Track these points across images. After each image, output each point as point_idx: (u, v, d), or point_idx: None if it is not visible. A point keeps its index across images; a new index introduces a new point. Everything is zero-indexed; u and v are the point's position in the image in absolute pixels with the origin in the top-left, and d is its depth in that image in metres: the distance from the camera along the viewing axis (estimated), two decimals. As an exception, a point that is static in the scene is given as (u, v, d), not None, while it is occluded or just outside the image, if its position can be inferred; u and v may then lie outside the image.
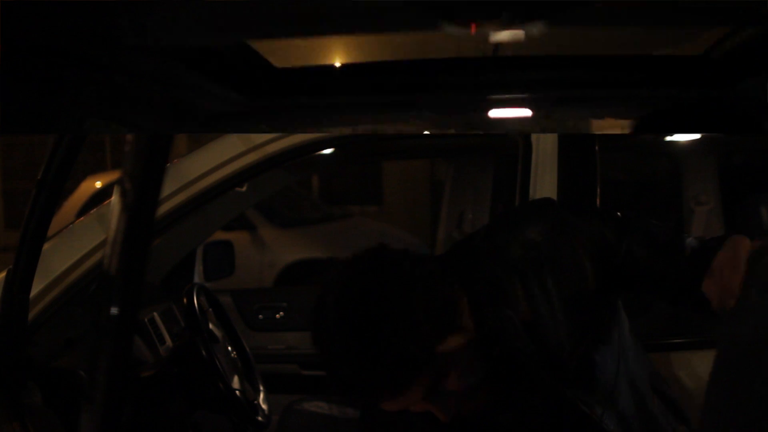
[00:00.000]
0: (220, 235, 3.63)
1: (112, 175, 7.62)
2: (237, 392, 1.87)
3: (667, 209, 3.78)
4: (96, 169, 8.23)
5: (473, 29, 1.37)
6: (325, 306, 1.17)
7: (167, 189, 1.88)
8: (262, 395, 2.06)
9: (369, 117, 2.09)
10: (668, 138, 2.80)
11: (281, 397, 2.54)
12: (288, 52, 1.76)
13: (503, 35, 1.41)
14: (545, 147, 1.90)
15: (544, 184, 1.88)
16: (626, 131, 2.09)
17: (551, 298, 1.26)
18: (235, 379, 1.94)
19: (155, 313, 2.36)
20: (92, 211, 1.99)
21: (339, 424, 2.52)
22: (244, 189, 2.65)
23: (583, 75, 1.78)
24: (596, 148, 1.90)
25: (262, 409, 1.99)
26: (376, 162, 9.71)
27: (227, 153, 1.92)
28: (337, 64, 1.78)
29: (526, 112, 1.94)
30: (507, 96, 1.87)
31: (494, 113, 1.93)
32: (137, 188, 0.81)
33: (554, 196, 1.87)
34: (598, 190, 1.87)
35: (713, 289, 1.13)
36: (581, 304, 1.27)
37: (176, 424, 1.95)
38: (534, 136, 1.92)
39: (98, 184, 7.33)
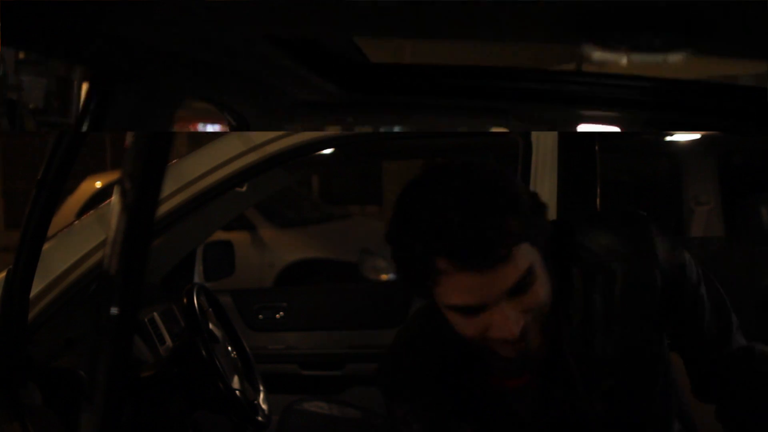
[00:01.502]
0: (220, 235, 3.63)
1: (112, 175, 7.63)
2: (237, 392, 1.87)
3: (667, 209, 3.78)
4: (96, 169, 8.23)
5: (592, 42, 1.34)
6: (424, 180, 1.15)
7: (167, 189, 1.88)
8: (262, 395, 2.06)
9: (454, 119, 2.10)
10: (668, 138, 2.80)
11: (281, 397, 2.54)
12: (385, 48, 1.76)
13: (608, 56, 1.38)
14: (545, 147, 1.90)
15: (544, 184, 1.88)
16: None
17: (608, 313, 1.24)
18: (235, 379, 1.94)
19: (155, 313, 2.36)
20: (92, 211, 1.99)
21: (339, 424, 2.52)
22: (244, 189, 2.65)
23: (676, 98, 1.78)
24: (596, 148, 1.90)
25: (262, 409, 1.99)
26: (376, 162, 9.71)
27: (227, 153, 1.92)
28: (430, 64, 1.78)
29: (614, 130, 1.94)
30: (596, 113, 1.87)
31: (582, 128, 1.94)
32: (137, 188, 0.81)
33: (554, 196, 1.86)
34: (598, 190, 1.87)
35: None
36: (636, 329, 1.25)
37: (176, 424, 1.95)
38: (534, 136, 1.91)
39: (98, 184, 7.33)
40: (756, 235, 2.77)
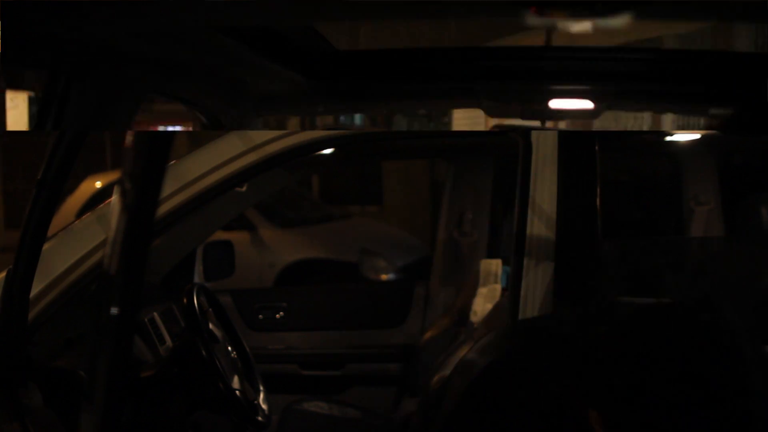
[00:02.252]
0: (220, 235, 3.63)
1: (112, 175, 7.63)
2: (237, 392, 1.87)
3: (667, 209, 3.78)
4: (96, 169, 8.23)
5: (533, 10, 1.33)
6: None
7: (167, 189, 1.88)
8: (262, 395, 2.06)
9: (427, 103, 2.08)
10: (668, 138, 2.80)
11: (281, 397, 2.55)
12: (351, 35, 1.76)
13: (574, 26, 1.37)
14: (545, 147, 1.90)
15: (544, 184, 1.88)
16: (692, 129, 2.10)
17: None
18: (235, 379, 1.94)
19: (155, 313, 2.36)
20: (92, 211, 1.99)
21: (339, 424, 2.52)
22: (244, 189, 2.65)
23: (647, 68, 1.76)
24: (596, 148, 1.90)
25: (262, 409, 1.99)
26: (376, 162, 9.71)
27: (227, 153, 1.92)
28: (399, 49, 1.76)
29: (587, 104, 1.91)
30: (567, 87, 1.84)
31: (554, 104, 1.91)
32: (137, 188, 0.81)
33: (554, 196, 1.86)
34: (598, 190, 1.87)
35: None
36: None
37: (176, 424, 1.95)
38: (534, 136, 1.91)
39: (98, 184, 7.33)
40: (756, 235, 2.76)
